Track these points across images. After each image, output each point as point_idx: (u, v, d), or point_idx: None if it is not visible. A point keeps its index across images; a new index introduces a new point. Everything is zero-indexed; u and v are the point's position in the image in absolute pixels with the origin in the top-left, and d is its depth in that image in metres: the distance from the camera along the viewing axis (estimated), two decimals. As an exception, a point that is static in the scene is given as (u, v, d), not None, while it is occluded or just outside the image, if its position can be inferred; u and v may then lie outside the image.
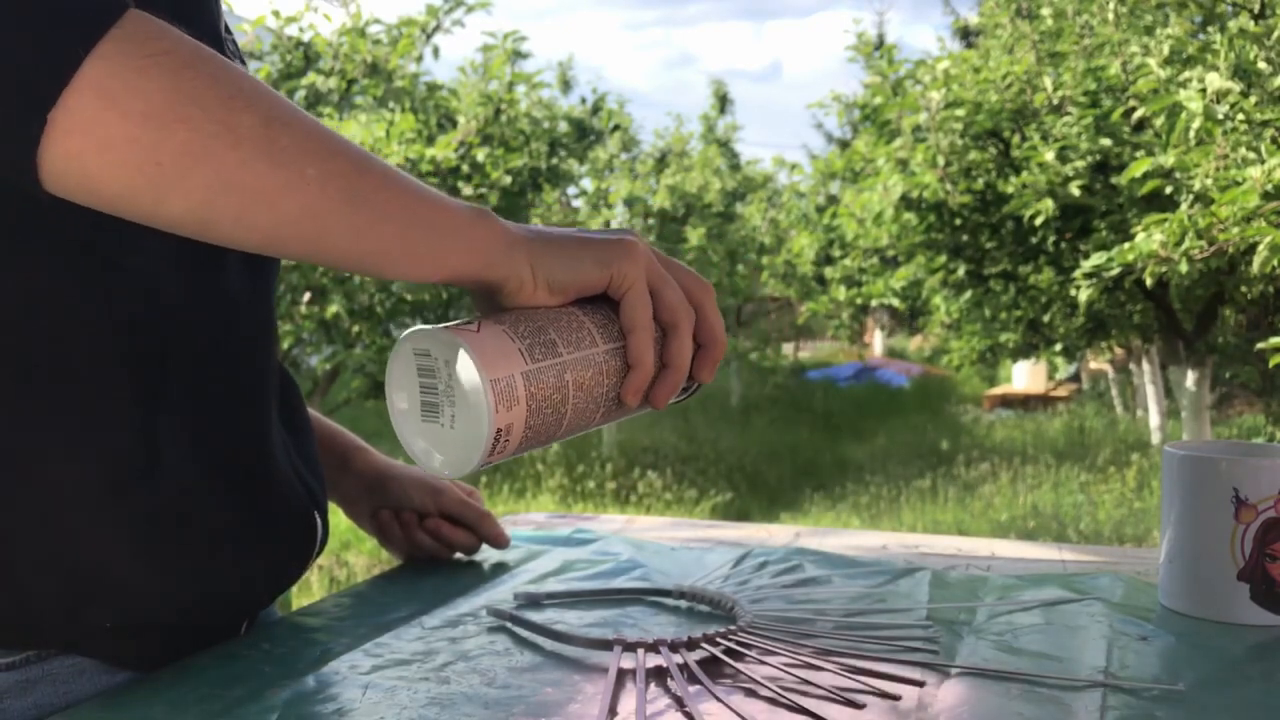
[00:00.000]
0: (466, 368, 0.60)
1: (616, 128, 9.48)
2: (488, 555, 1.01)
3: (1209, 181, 2.52)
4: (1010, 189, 4.19)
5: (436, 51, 5.70)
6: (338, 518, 0.91)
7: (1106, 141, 3.94)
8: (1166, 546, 0.84)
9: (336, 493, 1.00)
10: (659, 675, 0.69)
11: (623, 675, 0.69)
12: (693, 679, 0.68)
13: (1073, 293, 3.62)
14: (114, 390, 0.68)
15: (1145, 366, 8.08)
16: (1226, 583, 0.80)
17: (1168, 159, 2.71)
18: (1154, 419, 7.83)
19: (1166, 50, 2.99)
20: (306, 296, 4.33)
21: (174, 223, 0.58)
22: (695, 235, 9.03)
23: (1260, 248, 2.22)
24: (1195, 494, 0.82)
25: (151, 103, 0.54)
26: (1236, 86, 2.44)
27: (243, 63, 0.85)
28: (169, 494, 0.70)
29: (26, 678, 0.69)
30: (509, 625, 0.80)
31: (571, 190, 8.83)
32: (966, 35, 7.16)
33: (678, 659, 0.71)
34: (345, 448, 1.00)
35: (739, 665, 0.70)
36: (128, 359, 0.69)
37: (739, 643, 0.73)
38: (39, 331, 0.66)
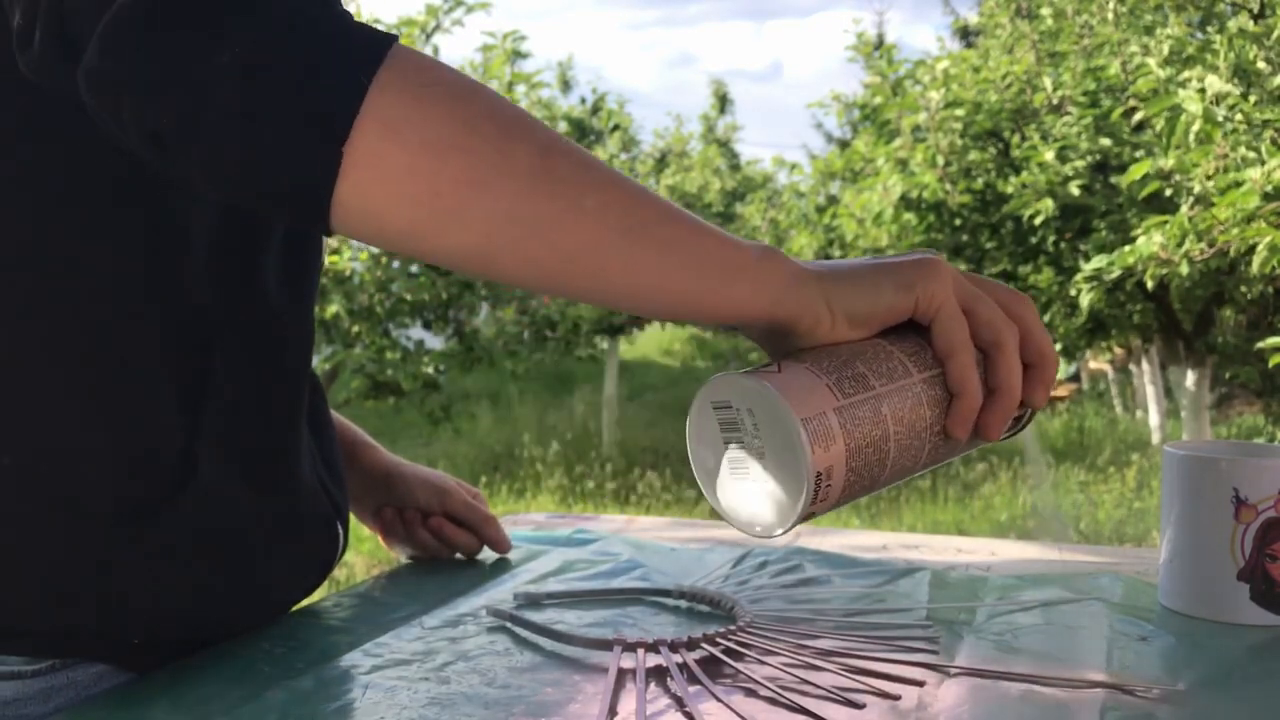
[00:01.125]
0: (774, 411, 0.56)
1: (616, 128, 9.48)
2: (488, 555, 1.01)
3: (1209, 183, 2.52)
4: (1010, 189, 4.19)
5: (435, 52, 5.69)
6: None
7: (1106, 141, 3.94)
8: (1166, 546, 0.84)
9: None
10: (659, 675, 0.69)
11: (623, 675, 0.69)
12: (693, 679, 0.68)
13: (1073, 294, 3.62)
14: (159, 402, 0.68)
15: (1145, 366, 8.08)
16: (1226, 583, 0.80)
17: (1167, 160, 2.71)
18: (1154, 419, 7.82)
19: (1166, 50, 2.99)
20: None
21: (456, 257, 0.57)
22: (695, 235, 9.01)
23: (1260, 248, 2.22)
24: (1195, 494, 0.82)
25: (428, 132, 0.53)
26: (1236, 88, 2.44)
27: None
28: (203, 509, 0.70)
29: (50, 685, 0.69)
30: (509, 625, 0.80)
31: (571, 190, 8.82)
32: (966, 35, 7.16)
33: (678, 659, 0.71)
34: (352, 443, 1.00)
35: (739, 665, 0.70)
36: (171, 368, 0.69)
37: (739, 643, 0.73)
38: (94, 331, 0.66)
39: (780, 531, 0.58)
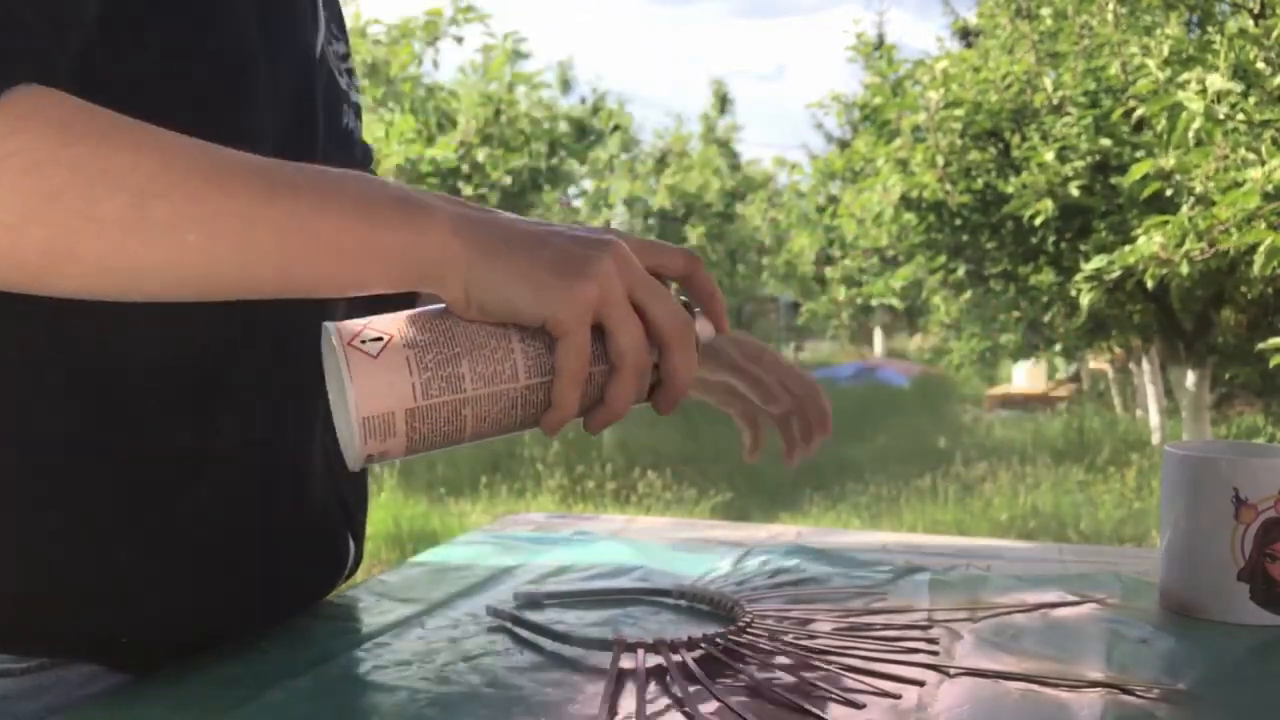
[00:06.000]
0: (344, 395, 0.58)
1: (616, 128, 9.49)
2: (488, 556, 1.01)
3: (1209, 183, 2.52)
4: (1010, 189, 4.19)
5: (437, 63, 5.71)
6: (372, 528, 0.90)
7: (1106, 142, 3.94)
8: (1166, 546, 0.84)
9: None
10: (659, 675, 0.69)
11: (623, 675, 0.69)
12: (693, 679, 0.68)
13: (1073, 294, 3.62)
14: (164, 402, 0.68)
15: (1145, 366, 8.08)
16: (1227, 583, 0.80)
17: (1168, 160, 2.71)
18: (1154, 419, 7.82)
19: (1166, 50, 2.99)
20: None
21: (68, 295, 0.57)
22: (695, 235, 9.03)
23: (1260, 250, 2.22)
24: (1195, 494, 0.81)
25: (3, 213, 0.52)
26: (1237, 87, 2.44)
27: (350, 75, 0.84)
28: (202, 514, 0.70)
29: (40, 682, 0.69)
30: (509, 625, 0.80)
31: (572, 190, 8.83)
32: (966, 35, 7.16)
33: (678, 659, 0.71)
34: None
35: (739, 665, 0.70)
36: (180, 369, 0.69)
37: (739, 643, 0.73)
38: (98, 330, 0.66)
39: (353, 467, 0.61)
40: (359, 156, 0.87)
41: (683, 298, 0.66)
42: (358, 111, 0.86)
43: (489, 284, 0.59)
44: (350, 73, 0.84)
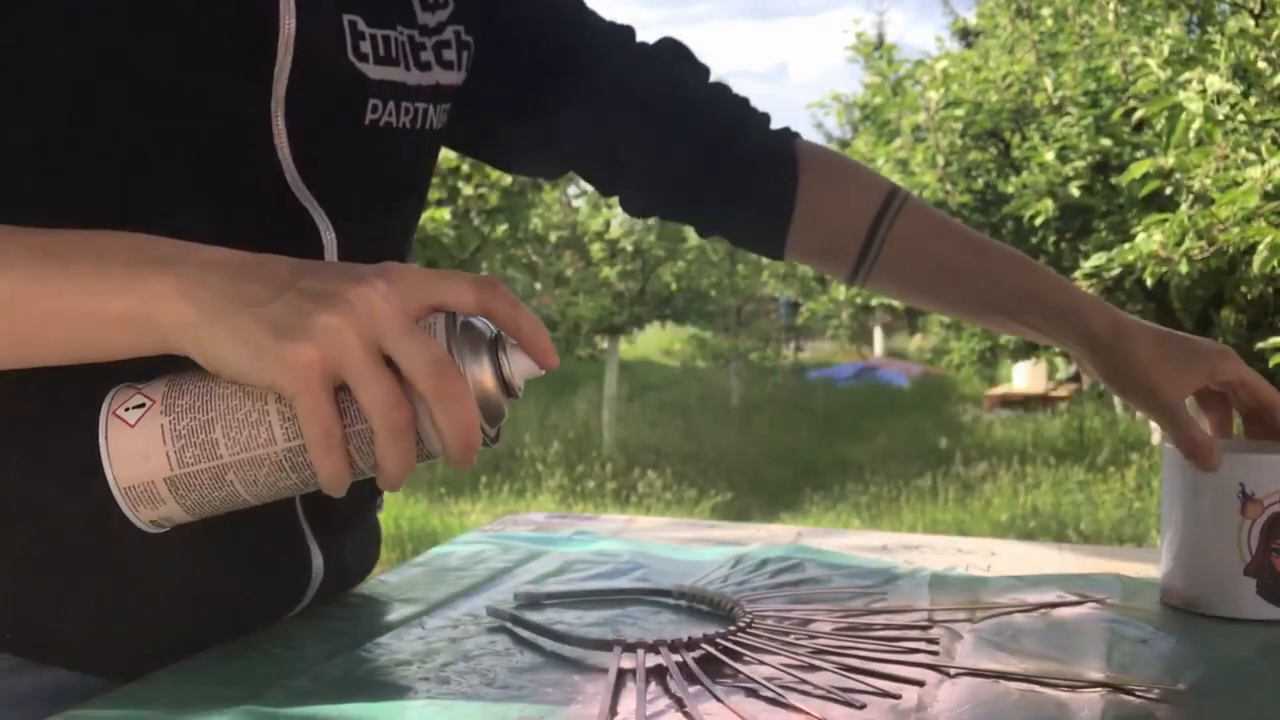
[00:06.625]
0: (106, 460, 0.57)
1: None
2: (488, 556, 1.01)
3: (1209, 182, 2.52)
4: (1010, 189, 4.19)
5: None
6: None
7: (1106, 142, 3.94)
8: (1169, 544, 0.84)
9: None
10: (659, 675, 0.69)
11: (623, 675, 0.69)
12: (693, 679, 0.68)
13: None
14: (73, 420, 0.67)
15: (1145, 366, 8.06)
16: (1234, 578, 0.80)
17: (1168, 160, 2.71)
18: (1154, 419, 7.80)
19: (1166, 50, 2.99)
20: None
21: None
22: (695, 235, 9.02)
23: (1260, 248, 2.22)
24: (1201, 491, 0.82)
25: None
26: (1237, 87, 2.44)
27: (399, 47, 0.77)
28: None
29: (15, 688, 0.70)
30: (509, 625, 0.80)
31: (572, 190, 8.83)
32: (966, 35, 7.17)
33: (678, 659, 0.71)
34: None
35: (739, 665, 0.70)
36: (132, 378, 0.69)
37: (739, 643, 0.73)
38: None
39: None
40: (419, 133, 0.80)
41: (498, 331, 0.59)
42: (413, 92, 0.79)
43: (215, 349, 0.55)
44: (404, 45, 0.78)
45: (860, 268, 0.93)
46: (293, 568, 0.78)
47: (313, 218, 0.73)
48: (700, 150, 0.92)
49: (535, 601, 0.85)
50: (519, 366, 0.59)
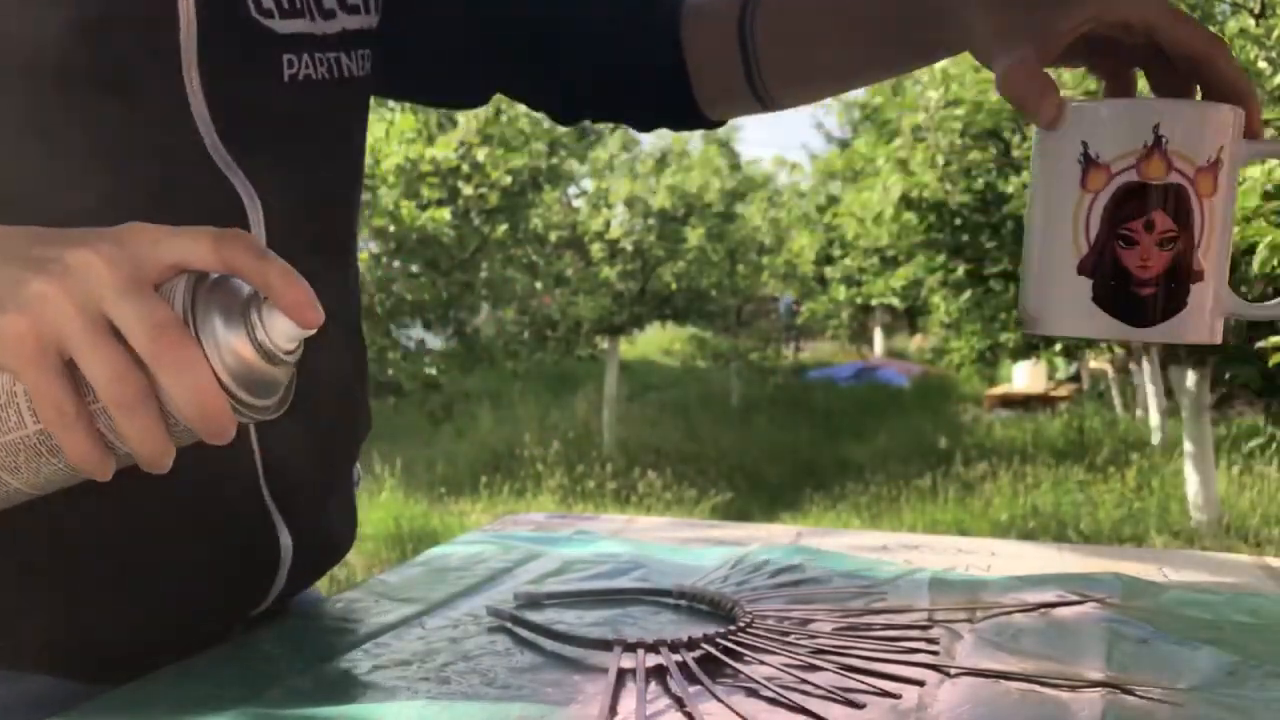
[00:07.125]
0: None
1: (617, 127, 9.49)
2: (488, 556, 1.01)
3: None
4: (1010, 188, 4.20)
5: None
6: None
7: (1107, 141, 3.94)
8: (1023, 251, 0.65)
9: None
10: (659, 675, 0.69)
11: (623, 675, 0.69)
12: (693, 679, 0.68)
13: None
14: None
15: (1145, 366, 8.08)
16: (1066, 279, 0.60)
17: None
18: (1154, 419, 7.82)
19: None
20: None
21: None
22: (695, 235, 9.03)
23: (1260, 247, 2.22)
24: (1042, 158, 0.62)
25: None
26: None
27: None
28: (120, 531, 0.69)
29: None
30: (509, 625, 0.80)
31: (572, 190, 8.84)
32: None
33: (678, 659, 0.71)
34: None
35: (739, 665, 0.70)
36: None
37: (739, 643, 0.73)
38: None
39: None
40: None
41: (254, 290, 0.53)
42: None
43: None
44: None
45: (750, 75, 0.87)
46: (260, 546, 0.76)
47: (236, 188, 0.70)
48: (595, 45, 0.91)
49: (535, 601, 0.85)
50: (277, 328, 0.52)
